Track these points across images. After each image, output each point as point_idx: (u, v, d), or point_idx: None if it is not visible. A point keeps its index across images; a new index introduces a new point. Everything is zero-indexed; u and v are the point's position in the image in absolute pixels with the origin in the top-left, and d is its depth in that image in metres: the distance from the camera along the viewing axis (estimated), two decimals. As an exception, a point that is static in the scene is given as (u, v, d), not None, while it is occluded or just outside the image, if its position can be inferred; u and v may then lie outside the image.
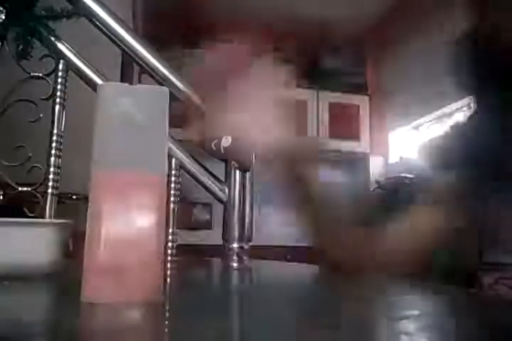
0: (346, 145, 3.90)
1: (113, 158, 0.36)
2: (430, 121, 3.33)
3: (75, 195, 1.38)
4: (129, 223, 0.34)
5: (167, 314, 0.32)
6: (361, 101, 4.01)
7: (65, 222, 0.56)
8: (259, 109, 0.60)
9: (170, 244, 0.95)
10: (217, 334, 0.24)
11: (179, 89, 0.99)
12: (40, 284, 0.49)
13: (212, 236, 1.40)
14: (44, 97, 0.99)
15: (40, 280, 0.49)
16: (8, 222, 0.50)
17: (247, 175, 0.99)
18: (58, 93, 0.99)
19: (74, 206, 1.32)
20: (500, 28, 0.58)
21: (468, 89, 0.67)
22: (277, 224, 3.49)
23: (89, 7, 0.98)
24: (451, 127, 0.69)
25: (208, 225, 3.50)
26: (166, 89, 0.39)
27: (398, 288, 0.53)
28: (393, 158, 3.68)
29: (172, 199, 0.97)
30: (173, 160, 0.99)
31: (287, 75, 0.62)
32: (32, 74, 0.99)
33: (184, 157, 1.00)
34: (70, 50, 1.01)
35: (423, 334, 0.28)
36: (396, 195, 2.28)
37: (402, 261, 0.59)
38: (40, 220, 0.83)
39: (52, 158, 0.95)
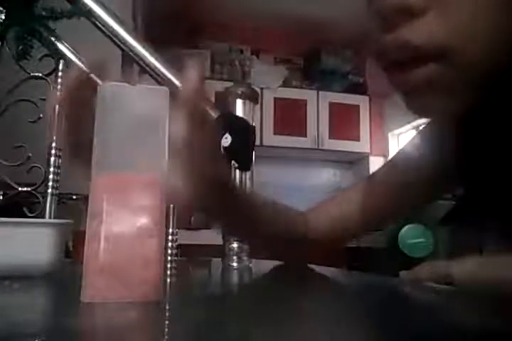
0: (346, 146, 3.90)
1: (113, 158, 0.36)
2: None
3: (75, 194, 1.38)
4: (129, 223, 0.34)
5: (167, 314, 0.33)
6: (361, 101, 4.01)
7: (65, 222, 0.56)
8: None
9: (170, 244, 0.95)
10: (217, 334, 0.24)
11: (179, 89, 0.99)
12: (40, 284, 0.49)
13: (212, 236, 1.40)
14: (44, 97, 0.99)
15: (40, 280, 0.49)
16: (8, 222, 0.50)
17: (247, 174, 0.99)
18: (58, 93, 0.99)
19: (74, 206, 1.32)
20: None
21: None
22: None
23: (89, 7, 0.98)
24: None
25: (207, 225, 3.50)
26: (166, 89, 0.39)
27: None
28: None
29: (172, 199, 0.96)
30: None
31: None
32: (32, 74, 1.00)
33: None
34: (70, 50, 1.01)
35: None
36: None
37: None
38: (40, 220, 0.83)
39: (52, 158, 0.95)
